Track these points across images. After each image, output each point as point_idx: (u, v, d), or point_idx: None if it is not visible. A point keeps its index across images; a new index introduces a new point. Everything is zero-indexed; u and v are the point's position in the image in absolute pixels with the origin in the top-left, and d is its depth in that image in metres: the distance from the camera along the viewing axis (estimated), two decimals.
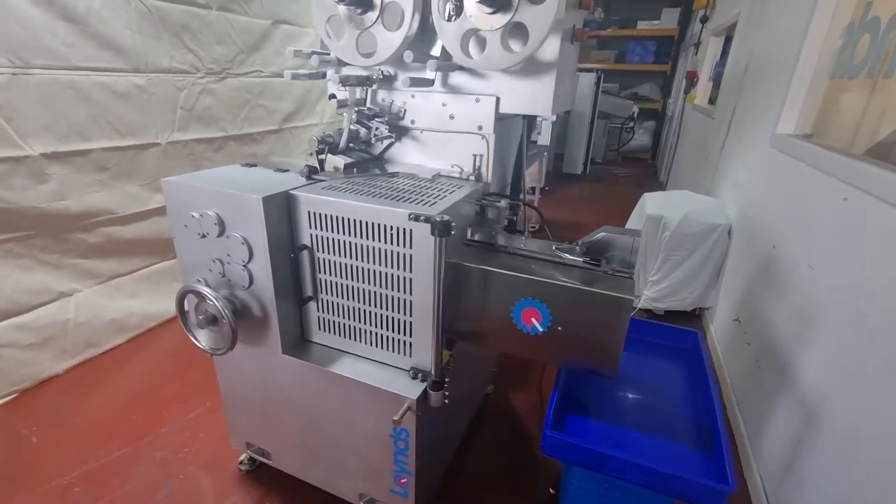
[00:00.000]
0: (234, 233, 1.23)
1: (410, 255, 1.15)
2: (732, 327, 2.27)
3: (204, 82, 2.60)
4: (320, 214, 1.22)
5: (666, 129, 7.15)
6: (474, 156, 1.43)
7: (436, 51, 1.38)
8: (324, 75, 1.53)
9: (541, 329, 1.19)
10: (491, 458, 1.80)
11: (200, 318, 1.29)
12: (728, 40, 4.55)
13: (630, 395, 1.40)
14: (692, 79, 4.14)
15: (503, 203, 1.38)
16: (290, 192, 1.23)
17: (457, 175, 1.46)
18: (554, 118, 5.09)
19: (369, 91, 1.49)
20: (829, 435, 1.29)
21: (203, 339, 1.33)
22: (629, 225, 3.12)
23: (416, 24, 1.26)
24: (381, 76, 1.43)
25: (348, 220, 1.18)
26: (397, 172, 1.47)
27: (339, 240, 1.23)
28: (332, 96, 1.54)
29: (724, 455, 1.06)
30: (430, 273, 1.13)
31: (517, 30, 1.18)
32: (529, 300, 1.18)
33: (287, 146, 3.35)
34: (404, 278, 1.19)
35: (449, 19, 1.24)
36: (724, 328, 2.44)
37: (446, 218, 1.04)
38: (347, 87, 1.38)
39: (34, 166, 1.93)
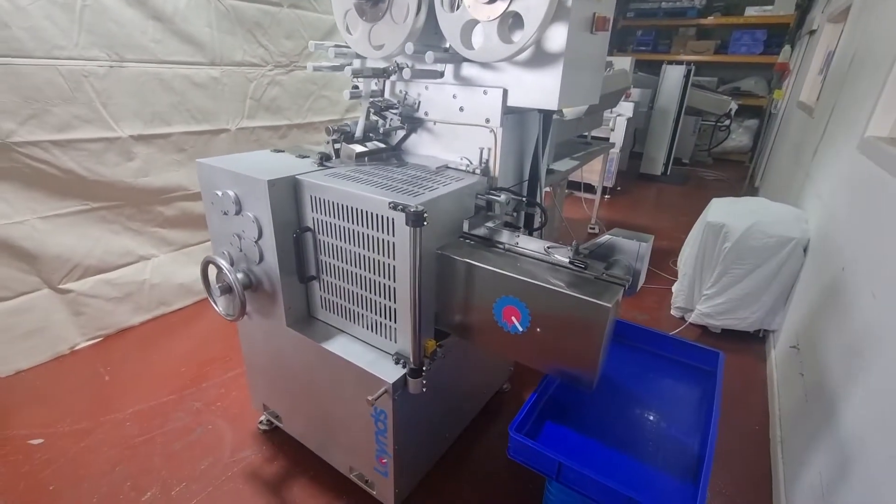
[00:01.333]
0: (248, 212, 1.35)
1: (393, 243, 1.18)
2: (790, 355, 2.00)
3: (272, 74, 2.83)
4: (320, 199, 1.29)
5: (769, 129, 6.36)
6: (481, 149, 1.41)
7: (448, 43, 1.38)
8: (342, 68, 1.60)
9: (520, 329, 1.16)
10: (492, 455, 1.78)
11: (219, 286, 1.43)
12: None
13: (623, 410, 1.31)
14: (784, 72, 3.63)
15: (503, 198, 1.36)
16: (297, 176, 1.32)
17: (464, 168, 1.45)
18: (630, 113, 4.78)
19: (386, 83, 1.53)
20: (859, 484, 1.11)
21: (221, 304, 1.48)
22: (691, 233, 2.85)
23: (422, 17, 1.27)
24: (397, 68, 1.47)
25: (342, 205, 1.24)
26: (407, 163, 1.50)
27: (336, 224, 1.29)
28: (356, 87, 1.61)
29: (700, 490, 0.96)
30: (408, 261, 1.15)
31: (518, 20, 1.14)
32: (510, 298, 1.15)
33: None
34: (388, 265, 1.22)
35: (450, 10, 1.24)
36: (783, 355, 2.16)
37: (420, 208, 1.06)
38: (362, 80, 1.44)
39: (124, 146, 2.26)
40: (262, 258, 1.39)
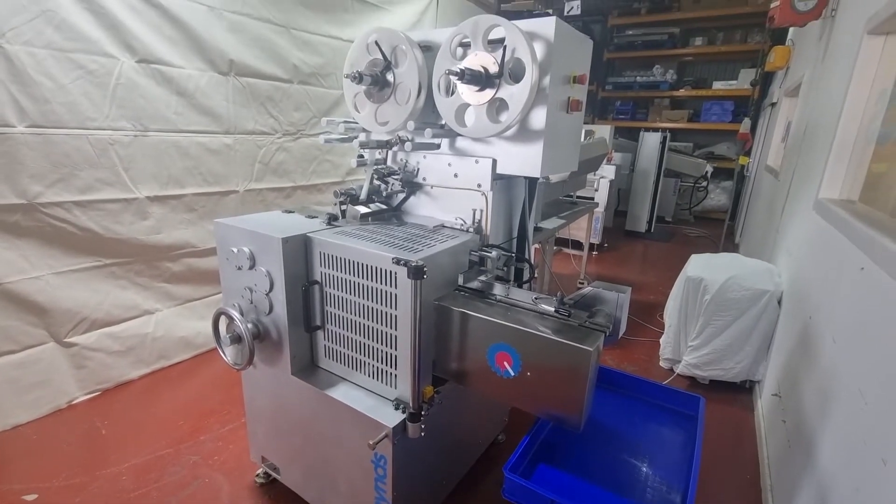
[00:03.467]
0: (261, 267, 1.47)
1: (396, 294, 1.30)
2: (773, 402, 2.08)
3: (281, 141, 3.07)
4: (329, 255, 1.42)
5: (744, 190, 6.75)
6: (473, 210, 1.58)
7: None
8: (350, 139, 1.81)
9: (512, 373, 1.26)
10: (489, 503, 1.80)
11: (228, 336, 1.53)
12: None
13: (611, 452, 1.37)
14: (744, 140, 3.98)
15: (494, 254, 1.50)
16: (308, 234, 1.46)
17: (458, 227, 1.61)
18: (612, 175, 5.11)
19: (389, 152, 1.73)
20: None
21: (230, 354, 1.56)
22: (675, 287, 3.00)
23: (422, 100, 1.48)
24: (399, 140, 1.66)
25: (349, 260, 1.38)
26: (408, 222, 1.66)
27: (343, 278, 1.42)
28: (361, 156, 1.80)
29: None
30: (414, 311, 1.27)
31: (504, 104, 1.35)
32: (501, 344, 1.26)
33: None
34: (391, 314, 1.34)
35: (451, 94, 1.45)
36: (768, 404, 2.24)
37: (420, 263, 1.19)
38: (368, 150, 1.63)
39: (140, 206, 2.41)
40: (271, 309, 1.49)
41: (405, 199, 1.75)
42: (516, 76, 1.31)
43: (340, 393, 1.46)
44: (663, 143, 5.92)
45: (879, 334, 1.17)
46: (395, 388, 1.40)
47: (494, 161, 1.51)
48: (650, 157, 5.97)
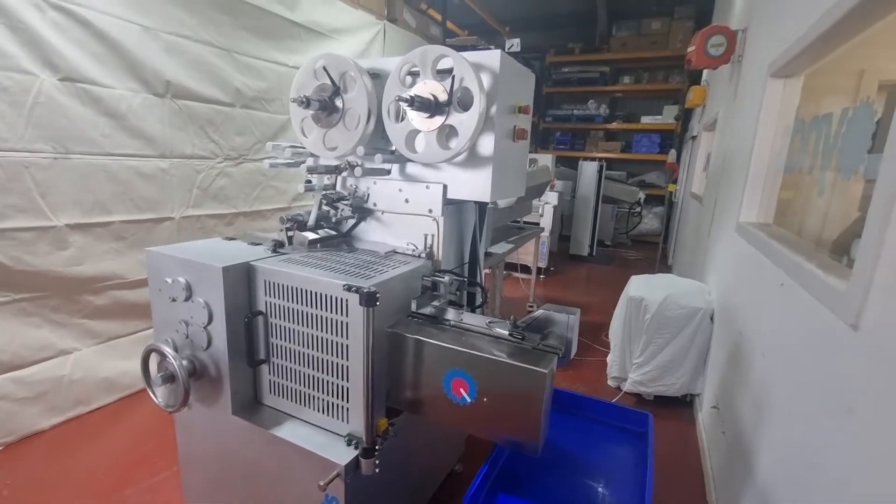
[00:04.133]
0: (199, 298, 1.37)
1: (347, 323, 1.26)
2: (712, 415, 2.19)
3: (221, 166, 2.94)
4: (274, 283, 1.36)
5: (673, 215, 7.28)
6: (425, 235, 1.57)
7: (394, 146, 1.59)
8: (297, 164, 1.77)
9: (469, 399, 1.24)
10: None
11: (160, 375, 1.39)
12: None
13: (568, 475, 1.38)
14: (672, 170, 4.34)
15: (447, 279, 1.50)
16: (251, 263, 1.39)
17: (410, 252, 1.60)
18: (555, 202, 5.33)
19: (338, 178, 1.70)
20: None
21: (161, 395, 1.42)
22: (618, 307, 3.13)
23: (371, 125, 1.48)
24: (347, 165, 1.64)
25: (297, 288, 1.32)
26: (358, 249, 1.63)
27: (290, 307, 1.35)
28: (308, 181, 1.75)
29: None
30: (365, 340, 1.23)
31: (453, 130, 1.37)
32: (457, 370, 1.24)
33: None
34: (342, 344, 1.28)
35: (400, 120, 1.46)
36: (708, 417, 2.35)
37: (373, 289, 1.16)
38: (316, 175, 1.60)
39: (58, 235, 2.20)
40: (210, 343, 1.39)
41: (355, 226, 1.72)
42: (464, 104, 1.34)
43: (287, 431, 1.37)
44: (600, 171, 6.28)
45: (801, 346, 1.28)
46: (348, 422, 1.34)
47: (445, 186, 1.52)
48: (589, 184, 6.30)
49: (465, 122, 1.31)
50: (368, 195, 1.67)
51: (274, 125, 3.28)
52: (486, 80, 1.35)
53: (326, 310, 1.28)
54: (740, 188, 2.36)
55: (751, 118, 2.49)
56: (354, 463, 1.26)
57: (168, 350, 1.38)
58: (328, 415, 1.37)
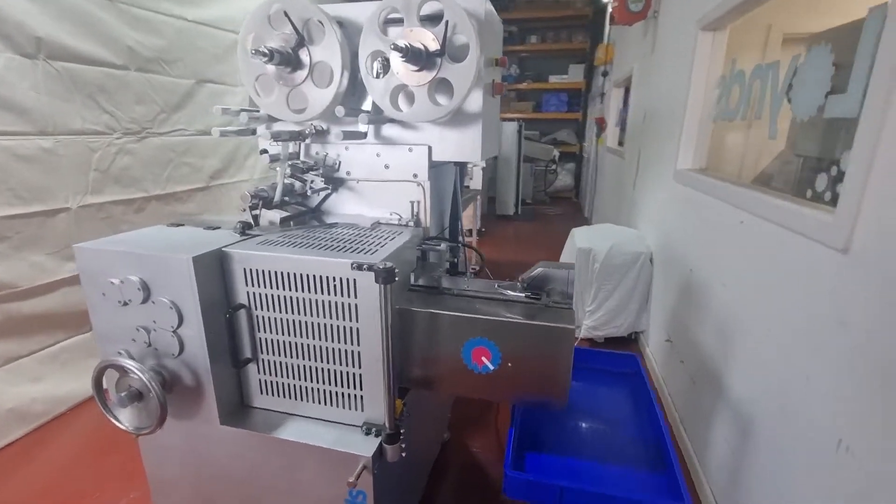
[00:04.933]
0: (161, 297, 1.15)
1: (356, 305, 1.13)
2: (666, 348, 2.41)
3: (121, 142, 2.47)
4: (257, 270, 1.17)
5: (585, 170, 7.76)
6: (412, 202, 1.46)
7: (367, 104, 1.43)
8: (253, 132, 1.53)
9: (492, 367, 1.20)
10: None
11: (122, 395, 1.16)
12: (627, 91, 5.14)
13: (581, 424, 1.43)
14: (601, 124, 4.59)
15: (444, 246, 1.42)
16: (223, 249, 1.18)
17: (396, 222, 1.48)
18: (483, 164, 5.37)
19: (302, 145, 1.50)
20: (762, 441, 1.39)
21: (126, 418, 1.19)
22: (563, 258, 3.28)
23: (345, 81, 1.31)
24: (314, 130, 1.45)
25: (288, 274, 1.15)
26: (336, 223, 1.47)
27: (278, 295, 1.18)
28: (264, 151, 1.53)
29: (676, 473, 1.10)
30: (377, 321, 1.12)
31: (442, 85, 1.26)
32: (478, 339, 1.19)
33: (217, 203, 3.22)
34: (351, 329, 1.16)
35: (377, 76, 1.30)
36: (658, 349, 2.59)
37: (389, 265, 1.05)
38: (280, 143, 1.39)
39: None
40: (181, 349, 1.18)
41: (326, 198, 1.54)
42: (454, 56, 1.23)
43: (292, 432, 1.23)
44: (519, 131, 6.43)
45: (767, 269, 1.42)
46: (362, 410, 1.23)
47: (430, 148, 1.42)
48: (510, 144, 6.43)
49: (460, 74, 1.20)
50: (339, 163, 1.50)
51: (178, 91, 2.81)
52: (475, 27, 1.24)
53: (330, 293, 1.14)
54: (673, 139, 2.54)
55: (675, 71, 2.65)
56: (379, 452, 1.18)
57: (129, 363, 1.14)
58: (336, 406, 1.25)
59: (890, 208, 0.95)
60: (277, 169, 1.45)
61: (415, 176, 1.44)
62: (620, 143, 4.95)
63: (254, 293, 1.20)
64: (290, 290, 1.17)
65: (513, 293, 1.29)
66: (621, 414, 1.48)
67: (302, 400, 1.28)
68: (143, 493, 1.77)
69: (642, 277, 2.85)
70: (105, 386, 1.20)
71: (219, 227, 1.39)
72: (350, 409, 1.24)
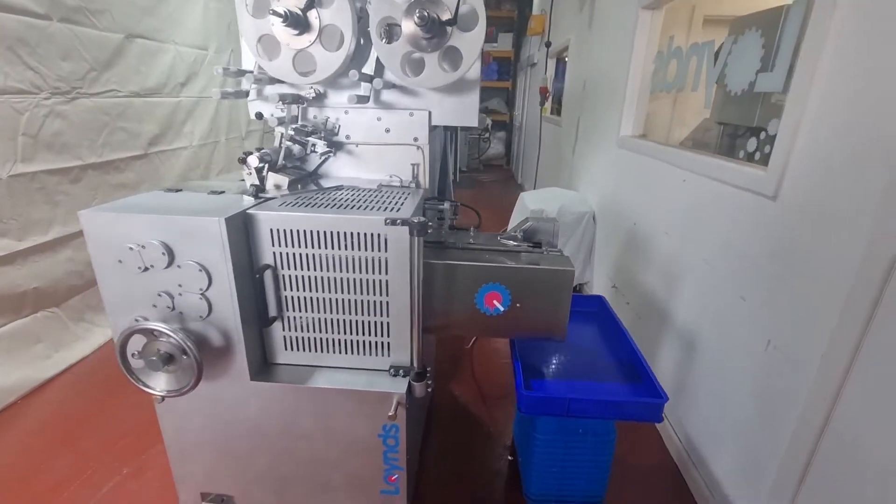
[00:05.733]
0: (188, 260, 1.16)
1: (386, 259, 1.23)
2: (612, 293, 2.77)
3: (50, 104, 2.22)
4: (284, 231, 1.22)
5: (516, 138, 8.09)
6: (413, 165, 1.56)
7: (367, 68, 1.48)
8: (246, 94, 1.51)
9: (502, 309, 1.38)
10: (448, 447, 1.92)
11: (153, 359, 1.17)
12: (558, 61, 5.43)
13: (566, 355, 1.66)
14: (545, 93, 4.84)
15: (446, 205, 1.54)
16: (248, 211, 1.21)
17: (397, 184, 1.57)
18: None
19: (300, 109, 1.51)
20: (702, 353, 1.73)
21: (160, 382, 1.20)
22: (513, 219, 3.53)
23: (353, 46, 1.34)
24: (314, 94, 1.47)
25: (317, 232, 1.21)
26: (341, 186, 1.52)
27: (306, 254, 1.24)
28: (259, 115, 1.52)
29: (653, 379, 1.37)
30: (405, 273, 1.23)
31: (448, 52, 1.35)
32: (491, 285, 1.35)
33: (156, 172, 3.00)
34: (380, 281, 1.26)
35: (388, 42, 1.35)
36: (606, 295, 2.95)
37: (422, 219, 1.16)
38: (285, 105, 1.40)
39: None
40: (210, 311, 1.21)
41: (324, 161, 1.58)
42: (461, 26, 1.32)
43: (324, 380, 1.32)
44: None
45: (708, 217, 1.74)
46: (388, 355, 1.35)
47: (430, 113, 1.51)
48: None
49: (470, 43, 1.30)
50: (339, 127, 1.54)
51: (108, 47, 2.54)
52: None
53: (361, 249, 1.22)
54: (615, 108, 2.83)
55: (615, 46, 2.92)
56: (408, 389, 1.31)
57: (162, 326, 1.15)
58: (361, 354, 1.36)
59: (809, 164, 1.24)
60: (277, 131, 1.46)
61: (415, 140, 1.53)
62: (553, 112, 5.26)
63: (280, 253, 1.24)
64: (318, 248, 1.23)
65: (513, 244, 1.46)
66: (597, 344, 1.73)
67: (326, 352, 1.36)
68: (134, 468, 1.75)
69: (587, 234, 3.18)
70: (131, 353, 1.19)
71: (223, 192, 1.38)
72: (375, 355, 1.35)
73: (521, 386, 1.34)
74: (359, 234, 1.21)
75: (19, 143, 2.08)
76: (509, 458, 1.87)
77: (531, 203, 3.23)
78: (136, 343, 1.18)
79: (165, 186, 1.41)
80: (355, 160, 1.59)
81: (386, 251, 1.22)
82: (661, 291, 2.11)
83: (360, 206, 1.28)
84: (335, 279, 1.26)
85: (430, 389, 1.34)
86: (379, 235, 1.21)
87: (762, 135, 1.52)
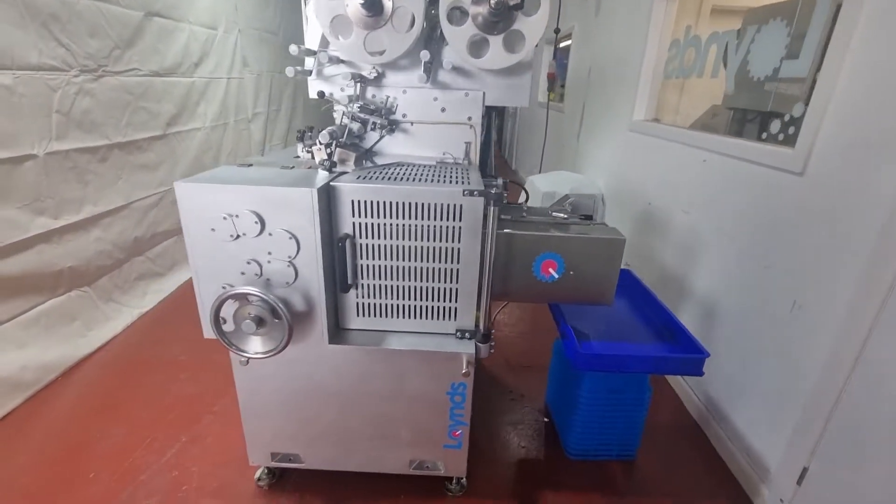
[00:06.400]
0: (278, 228, 1.23)
1: (459, 228, 1.33)
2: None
3: (80, 81, 2.21)
4: (365, 202, 1.30)
5: (509, 124, 8.19)
6: (467, 143, 1.65)
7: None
8: (310, 73, 1.56)
9: (556, 276, 1.49)
10: (486, 411, 2.05)
11: (247, 321, 1.24)
12: (556, 49, 5.52)
13: (601, 322, 1.79)
14: (552, 79, 4.93)
15: (500, 181, 1.63)
16: (331, 184, 1.28)
17: (451, 161, 1.66)
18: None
19: (359, 88, 1.58)
20: (725, 316, 1.89)
21: (254, 345, 1.28)
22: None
23: (420, 28, 1.42)
24: (376, 74, 1.54)
25: (396, 203, 1.29)
26: (400, 162, 1.60)
27: (382, 224, 1.32)
28: (321, 94, 1.58)
29: (691, 338, 1.51)
30: (476, 241, 1.33)
31: (510, 36, 1.44)
32: (547, 254, 1.47)
33: (173, 154, 2.99)
34: (452, 249, 1.35)
35: (456, 25, 1.43)
36: None
37: (499, 189, 1.26)
38: (354, 83, 1.47)
39: None
40: (296, 277, 1.29)
41: (380, 139, 1.65)
42: (526, 9, 1.40)
43: (397, 343, 1.41)
44: None
45: (731, 194, 1.89)
46: (453, 319, 1.45)
47: (484, 94, 1.59)
48: None
49: (533, 26, 1.39)
50: (397, 106, 1.61)
51: (130, 24, 2.53)
52: None
53: (438, 219, 1.31)
54: (626, 94, 2.95)
55: (625, 34, 3.04)
56: (475, 350, 1.42)
57: (253, 290, 1.22)
58: (428, 319, 1.45)
59: (835, 143, 1.39)
60: (338, 110, 1.53)
61: (469, 119, 1.62)
62: (550, 98, 5.37)
63: (359, 223, 1.32)
64: (395, 218, 1.31)
65: (563, 216, 1.57)
66: (628, 311, 1.87)
67: (394, 317, 1.45)
68: (191, 436, 1.82)
69: (598, 214, 3.33)
70: (223, 318, 1.26)
71: (292, 167, 1.45)
72: (441, 319, 1.45)
73: (575, 344, 1.47)
74: (436, 204, 1.30)
75: (53, 121, 2.07)
76: (545, 419, 2.01)
77: (542, 185, 3.35)
78: (226, 308, 1.25)
79: (238, 161, 1.47)
80: (408, 138, 1.67)
81: (460, 220, 1.32)
82: (679, 266, 2.26)
83: (430, 179, 1.36)
84: (409, 248, 1.35)
85: (492, 351, 1.45)
86: (455, 206, 1.30)
87: (787, 117, 1.66)
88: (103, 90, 2.36)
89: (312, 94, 1.59)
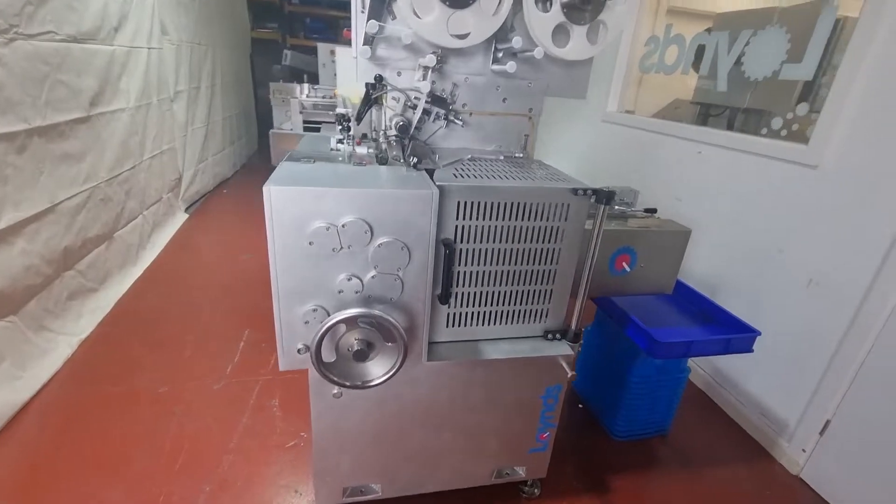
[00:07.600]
0: (386, 238, 1.06)
1: (563, 228, 1.27)
2: None
3: None
4: (470, 203, 1.17)
5: None
6: (526, 136, 1.58)
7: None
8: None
9: (629, 269, 1.52)
10: None
11: (354, 350, 1.06)
12: None
13: (660, 307, 1.86)
14: None
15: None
16: (439, 184, 1.14)
17: (510, 154, 1.57)
18: None
19: (428, 74, 1.41)
20: (736, 301, 2.10)
21: (355, 374, 1.09)
22: None
23: (507, 11, 1.30)
24: (437, 60, 1.39)
25: (503, 204, 1.19)
26: (468, 156, 1.48)
27: (485, 226, 1.21)
28: (379, 77, 1.38)
29: (736, 320, 1.66)
30: (575, 240, 1.29)
31: (594, 27, 1.39)
32: (623, 248, 1.48)
33: (99, 140, 2.42)
34: (552, 250, 1.29)
35: (548, 10, 1.33)
36: None
37: (610, 187, 1.22)
38: (425, 70, 1.31)
39: None
40: (402, 290, 1.13)
41: (438, 129, 1.51)
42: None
43: (492, 352, 1.32)
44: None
45: (719, 183, 2.08)
46: (543, 322, 1.40)
47: (547, 84, 1.53)
48: None
49: (617, 17, 1.35)
50: (457, 95, 1.47)
51: None
52: None
53: (543, 219, 1.24)
54: (596, 87, 3.08)
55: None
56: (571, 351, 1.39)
57: (370, 311, 1.05)
58: (516, 323, 1.38)
59: (850, 140, 1.60)
60: (393, 100, 1.37)
61: (530, 110, 1.55)
62: None
63: (462, 226, 1.20)
64: (499, 220, 1.21)
65: (629, 209, 1.60)
66: (661, 301, 1.96)
67: (485, 324, 1.35)
68: (215, 484, 1.53)
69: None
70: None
71: (360, 164, 1.26)
72: (532, 322, 1.39)
73: (651, 335, 1.51)
74: (545, 203, 1.22)
75: None
76: (580, 406, 2.06)
77: None
78: (335, 334, 1.06)
79: (293, 156, 1.23)
80: (462, 130, 1.55)
81: (566, 220, 1.26)
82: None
83: (524, 176, 1.28)
84: (507, 250, 1.26)
85: (580, 350, 1.44)
86: (562, 205, 1.24)
87: (789, 115, 1.87)
88: (16, 58, 1.80)
89: (366, 79, 1.39)
